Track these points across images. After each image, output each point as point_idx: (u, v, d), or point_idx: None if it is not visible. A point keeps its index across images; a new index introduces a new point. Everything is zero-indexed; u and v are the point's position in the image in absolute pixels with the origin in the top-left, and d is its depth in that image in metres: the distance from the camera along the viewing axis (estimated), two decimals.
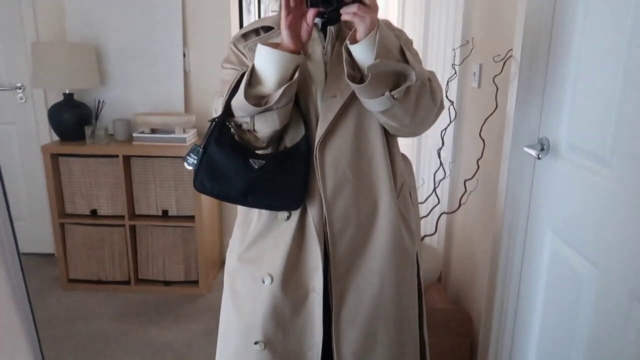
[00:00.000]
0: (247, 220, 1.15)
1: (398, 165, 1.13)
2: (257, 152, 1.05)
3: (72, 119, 2.52)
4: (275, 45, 0.95)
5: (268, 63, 0.94)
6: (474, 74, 1.89)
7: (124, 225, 2.54)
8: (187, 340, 2.19)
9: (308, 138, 1.04)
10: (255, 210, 1.12)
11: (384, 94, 0.94)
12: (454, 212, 1.92)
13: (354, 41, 0.91)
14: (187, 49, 2.67)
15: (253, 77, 0.97)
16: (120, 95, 2.69)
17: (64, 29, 2.63)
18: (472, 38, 1.92)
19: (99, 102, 2.63)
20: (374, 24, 0.90)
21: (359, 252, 1.09)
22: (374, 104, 0.96)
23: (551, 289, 1.37)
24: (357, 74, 0.95)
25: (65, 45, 2.46)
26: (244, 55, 1.09)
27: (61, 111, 2.51)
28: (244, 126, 1.02)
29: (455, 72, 2.02)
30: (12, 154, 2.87)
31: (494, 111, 1.62)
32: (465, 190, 1.82)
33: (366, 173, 1.07)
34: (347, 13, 0.89)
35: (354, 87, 0.94)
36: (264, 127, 1.00)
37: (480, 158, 1.72)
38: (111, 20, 2.60)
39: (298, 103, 1.04)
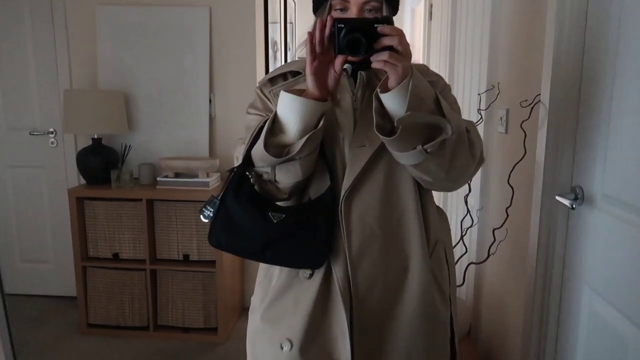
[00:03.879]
0: (267, 277, 1.08)
1: (432, 221, 1.04)
2: (278, 204, 0.98)
3: (99, 163, 2.55)
4: (300, 92, 0.90)
5: (291, 111, 0.89)
6: (501, 118, 1.83)
7: (144, 269, 2.51)
8: None
9: (333, 190, 0.97)
10: (276, 267, 1.05)
11: (415, 148, 0.86)
12: (482, 262, 1.82)
13: (385, 89, 0.85)
14: (213, 94, 2.71)
15: (275, 125, 0.92)
16: (147, 140, 2.73)
17: (97, 77, 2.72)
18: (498, 83, 1.87)
19: (125, 146, 2.67)
20: (407, 73, 0.83)
21: (386, 317, 1.00)
22: (404, 158, 0.90)
23: (591, 351, 1.24)
24: (387, 124, 0.89)
25: (96, 92, 2.53)
26: (270, 101, 1.04)
27: (89, 155, 2.56)
28: (265, 176, 0.96)
29: (482, 117, 1.96)
30: (41, 196, 2.92)
31: (522, 157, 1.55)
32: (494, 240, 1.72)
33: (396, 229, 0.99)
34: (378, 61, 0.83)
35: (383, 139, 0.87)
36: (286, 178, 0.94)
37: (510, 206, 1.63)
38: (141, 68, 2.68)
39: (324, 152, 0.98)
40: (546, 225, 1.40)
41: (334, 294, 0.97)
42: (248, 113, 1.06)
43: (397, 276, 0.99)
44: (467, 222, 2.02)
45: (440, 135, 0.86)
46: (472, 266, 2.01)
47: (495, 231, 1.71)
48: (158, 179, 2.51)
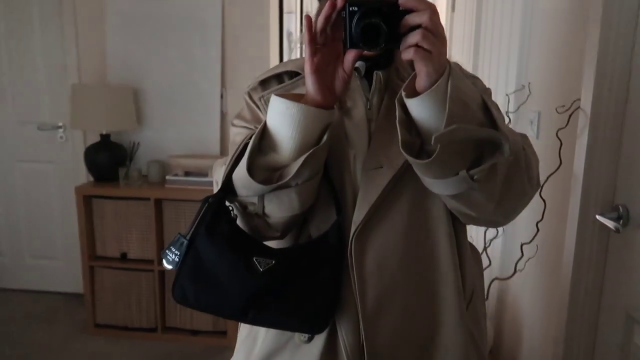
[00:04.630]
0: (251, 335, 0.85)
1: (468, 264, 0.81)
2: (267, 244, 0.75)
3: (107, 159, 2.48)
4: (298, 98, 0.68)
5: (284, 121, 0.67)
6: (531, 122, 1.68)
7: (152, 270, 2.44)
8: None
9: (341, 226, 0.74)
10: None
11: (457, 174, 0.65)
12: (508, 278, 1.68)
13: (413, 92, 0.64)
14: (224, 89, 2.60)
15: (264, 141, 0.70)
16: (156, 136, 2.64)
17: (105, 71, 2.63)
18: (529, 83, 1.72)
19: (134, 143, 2.59)
20: (442, 67, 0.61)
21: None
22: (441, 186, 0.68)
23: None
24: (417, 140, 0.67)
25: (105, 87, 2.44)
26: (260, 110, 0.81)
27: (97, 152, 2.48)
28: (250, 208, 0.73)
29: (510, 120, 1.81)
30: (50, 192, 2.86)
31: (557, 169, 1.40)
32: (522, 255, 1.59)
33: (424, 278, 0.76)
34: (408, 48, 0.61)
35: (413, 162, 0.65)
36: (278, 211, 0.72)
37: (541, 220, 1.49)
38: (151, 63, 2.58)
39: (329, 177, 0.76)
40: (583, 246, 1.26)
41: None
42: (233, 125, 0.84)
43: (425, 340, 0.77)
44: (491, 232, 1.88)
45: (493, 157, 0.64)
46: (496, 281, 1.87)
47: (524, 246, 1.57)
48: (167, 177, 2.43)
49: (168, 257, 0.73)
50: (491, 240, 1.80)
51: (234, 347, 0.89)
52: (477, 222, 0.78)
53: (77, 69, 2.67)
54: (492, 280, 1.76)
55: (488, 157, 0.65)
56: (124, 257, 2.48)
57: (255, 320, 0.74)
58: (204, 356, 2.35)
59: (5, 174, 2.86)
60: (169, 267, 0.73)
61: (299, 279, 0.73)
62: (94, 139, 2.62)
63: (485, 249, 1.75)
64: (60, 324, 2.63)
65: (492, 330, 1.92)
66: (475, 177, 0.64)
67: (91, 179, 2.59)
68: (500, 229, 1.85)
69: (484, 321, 0.88)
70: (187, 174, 2.45)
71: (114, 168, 2.48)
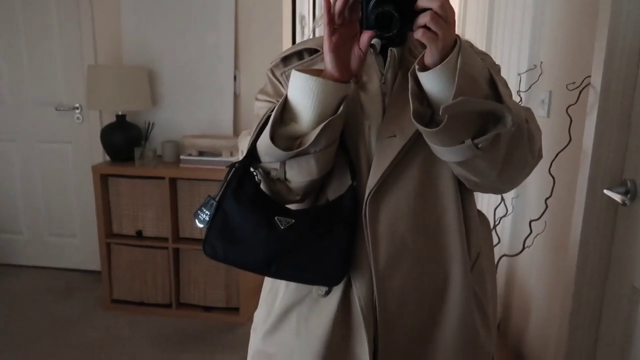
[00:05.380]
0: (272, 290, 0.91)
1: (473, 228, 0.86)
2: (288, 207, 0.82)
3: (123, 139, 2.53)
4: (317, 73, 0.74)
5: (304, 94, 0.74)
6: (542, 101, 1.70)
7: (167, 247, 2.50)
8: None
9: (356, 190, 0.80)
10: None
11: (463, 142, 0.70)
12: (516, 255, 1.71)
13: (424, 67, 0.69)
14: (238, 71, 2.63)
15: (286, 112, 0.77)
16: (171, 117, 2.69)
17: (121, 53, 2.68)
18: (541, 62, 1.73)
19: (149, 123, 2.64)
20: (448, 47, 0.66)
21: (419, 345, 0.83)
22: (448, 154, 0.73)
23: (636, 358, 1.15)
24: (427, 111, 0.73)
25: (120, 68, 2.48)
26: (282, 85, 0.87)
27: (113, 132, 2.54)
28: (273, 174, 0.80)
29: (521, 99, 1.83)
30: (67, 172, 2.93)
31: (566, 145, 1.42)
32: (531, 232, 1.61)
33: (432, 238, 0.82)
34: (417, 29, 0.66)
35: (423, 130, 0.71)
36: (298, 176, 0.78)
37: (550, 197, 1.52)
38: (165, 44, 2.62)
39: (345, 145, 0.82)
40: (591, 221, 1.28)
41: (354, 317, 0.82)
42: (257, 100, 0.90)
43: (433, 295, 0.82)
44: (501, 210, 1.91)
45: (496, 127, 0.69)
46: (505, 258, 1.90)
47: (532, 223, 1.60)
48: (181, 157, 2.48)
49: (200, 216, 0.80)
50: (501, 218, 1.83)
51: (246, 324, 0.96)
52: (481, 188, 0.83)
53: (93, 51, 2.72)
54: (501, 257, 1.79)
55: (492, 128, 0.70)
56: (139, 234, 2.54)
57: (277, 274, 0.81)
58: (217, 332, 2.42)
59: (24, 154, 2.94)
60: (201, 225, 0.81)
61: (317, 237, 0.79)
62: (110, 119, 2.68)
63: (495, 226, 1.78)
64: (78, 300, 2.71)
65: (500, 306, 1.95)
66: (480, 145, 0.70)
67: (107, 158, 2.65)
68: (510, 206, 1.87)
69: (492, 285, 0.92)
70: (200, 153, 2.49)
71: (129, 148, 2.53)
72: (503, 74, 0.92)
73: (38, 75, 2.83)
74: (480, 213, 0.93)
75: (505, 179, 0.78)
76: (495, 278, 0.97)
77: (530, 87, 1.79)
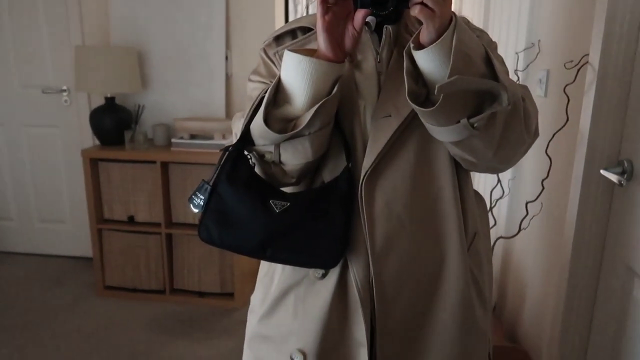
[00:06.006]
0: (269, 274, 0.93)
1: (470, 208, 0.87)
2: (283, 189, 0.84)
3: (113, 123, 2.52)
4: (310, 53, 0.75)
5: (297, 75, 0.74)
6: (540, 80, 1.69)
7: (160, 233, 2.51)
8: (219, 357, 2.11)
9: (351, 171, 0.81)
10: None
11: (459, 122, 0.70)
12: (512, 237, 1.73)
13: (419, 45, 0.69)
14: (229, 51, 2.61)
15: (279, 94, 0.77)
16: (161, 99, 2.67)
17: (109, 33, 2.64)
18: (539, 40, 1.72)
19: (139, 106, 2.62)
20: (444, 25, 0.67)
21: (416, 325, 0.85)
22: (444, 133, 0.74)
23: (630, 339, 1.16)
24: (422, 90, 0.73)
25: (108, 49, 2.45)
26: (275, 65, 0.87)
27: (102, 115, 2.52)
28: (267, 157, 0.81)
29: (518, 79, 1.82)
30: (56, 156, 2.92)
31: (563, 125, 1.43)
32: (527, 214, 1.62)
33: (429, 218, 0.83)
34: (414, 5, 0.66)
35: (418, 110, 0.71)
36: (293, 158, 0.79)
37: (546, 178, 1.52)
38: (155, 24, 2.59)
39: (340, 126, 0.83)
40: (587, 201, 1.29)
41: (351, 298, 0.83)
42: (250, 80, 0.91)
43: (430, 276, 0.84)
44: (497, 192, 1.92)
45: (492, 106, 0.69)
46: (501, 240, 1.92)
47: (529, 204, 1.61)
48: (173, 140, 2.47)
49: (194, 201, 0.81)
50: (497, 200, 1.84)
51: (241, 309, 0.98)
52: (477, 168, 0.84)
53: (81, 31, 2.68)
54: (497, 239, 1.81)
55: (488, 107, 0.70)
56: (131, 220, 2.54)
57: (273, 257, 0.81)
58: (211, 318, 2.44)
59: (12, 138, 2.91)
60: (195, 210, 0.81)
61: (313, 220, 0.80)
62: (99, 102, 2.65)
63: (491, 208, 1.79)
64: (70, 287, 2.72)
65: (495, 289, 1.97)
66: (476, 124, 0.70)
67: (97, 142, 2.63)
68: (506, 188, 1.88)
69: (488, 266, 0.93)
70: (192, 137, 2.48)
71: (119, 131, 2.52)
72: (500, 52, 0.91)
73: (24, 57, 2.79)
74: (476, 193, 0.95)
75: (501, 158, 0.79)
76: (491, 259, 0.98)
77: (527, 66, 1.79)
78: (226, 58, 2.60)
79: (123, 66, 2.43)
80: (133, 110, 2.63)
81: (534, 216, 1.65)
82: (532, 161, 1.74)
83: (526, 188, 1.77)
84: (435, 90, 0.66)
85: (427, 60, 0.69)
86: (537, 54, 1.71)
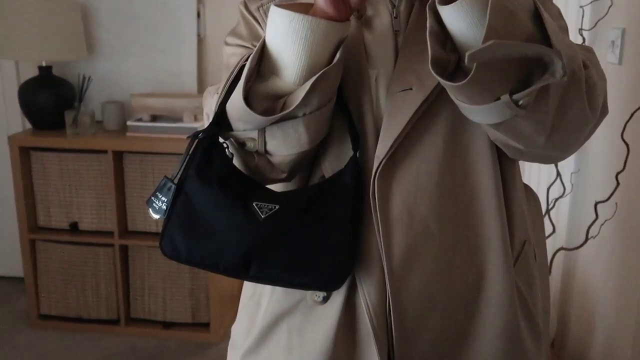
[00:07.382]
0: (254, 298, 0.93)
1: (518, 210, 0.87)
2: (270, 188, 0.83)
3: (49, 100, 2.52)
4: (305, 8, 0.73)
5: (288, 38, 0.72)
6: (613, 42, 1.72)
7: (112, 244, 2.52)
8: None
9: (359, 163, 0.80)
10: None
11: (499, 99, 0.68)
12: (577, 248, 1.74)
13: None
14: (202, 7, 2.63)
15: (265, 63, 0.76)
16: (113, 69, 2.68)
17: None
18: None
19: (84, 78, 2.62)
20: None
21: None
22: (481, 113, 0.72)
23: None
24: (451, 57, 0.71)
25: (42, 2, 2.45)
26: (259, 24, 0.87)
27: (35, 90, 2.53)
28: (249, 145, 0.79)
29: (584, 40, 1.84)
30: None
31: None
32: (597, 218, 1.64)
33: (464, 224, 0.82)
34: None
35: (445, 84, 0.69)
36: (283, 147, 0.78)
37: (622, 171, 1.54)
38: None
39: (344, 103, 0.81)
40: None
41: (362, 329, 0.82)
42: (226, 44, 0.90)
43: (464, 298, 0.83)
44: (556, 190, 1.93)
45: (543, 78, 0.66)
46: (562, 252, 1.94)
47: (599, 206, 1.62)
48: (128, 123, 2.48)
49: (154, 204, 0.80)
50: (556, 199, 1.86)
51: (219, 344, 0.99)
52: (526, 157, 0.83)
53: None
54: (557, 251, 1.83)
55: (537, 78, 0.68)
56: (74, 228, 2.55)
57: (259, 276, 0.79)
58: (181, 354, 2.45)
59: None
60: (156, 216, 0.80)
61: (309, 227, 0.79)
62: (31, 73, 2.66)
63: (548, 211, 1.81)
64: None
65: (554, 316, 1.99)
66: (521, 102, 0.68)
67: (29, 126, 2.64)
68: (568, 184, 1.90)
69: (543, 285, 0.93)
70: (154, 118, 2.49)
71: (58, 112, 2.52)
72: (559, 4, 0.91)
73: None
74: (527, 189, 0.95)
75: (557, 144, 0.78)
76: (548, 276, 0.99)
77: (596, 24, 1.81)
78: (198, 15, 2.61)
79: (62, 25, 2.43)
80: (76, 83, 2.63)
81: (605, 221, 1.67)
82: (602, 149, 1.76)
83: (595, 184, 1.79)
84: (465, 59, 0.64)
85: (457, 19, 0.67)
86: (609, 7, 1.74)
